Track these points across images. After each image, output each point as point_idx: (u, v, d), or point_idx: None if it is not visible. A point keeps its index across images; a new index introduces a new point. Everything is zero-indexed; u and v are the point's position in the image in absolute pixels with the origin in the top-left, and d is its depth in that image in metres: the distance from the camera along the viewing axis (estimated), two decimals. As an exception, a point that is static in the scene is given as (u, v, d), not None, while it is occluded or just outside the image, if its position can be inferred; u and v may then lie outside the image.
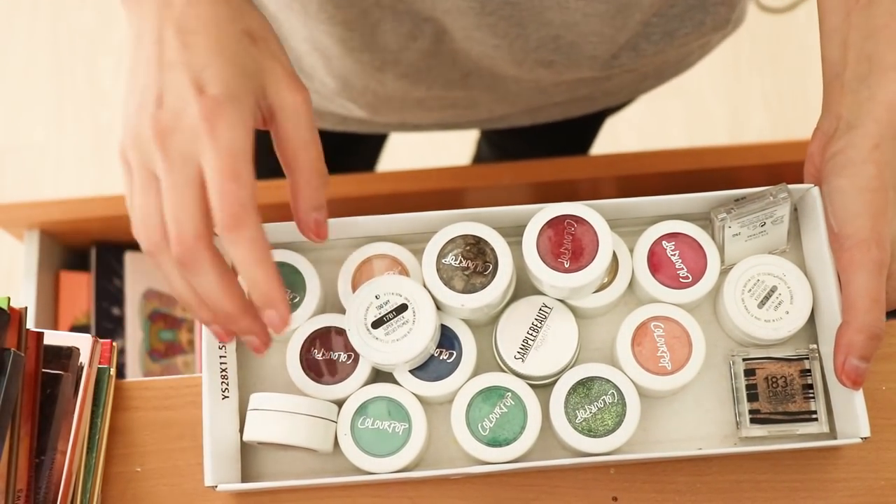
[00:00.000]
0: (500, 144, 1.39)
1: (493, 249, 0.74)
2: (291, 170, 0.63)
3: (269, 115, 0.63)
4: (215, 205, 0.58)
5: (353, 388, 0.74)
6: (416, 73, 0.88)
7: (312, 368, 0.75)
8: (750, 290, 0.76)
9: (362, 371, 0.74)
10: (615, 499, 0.76)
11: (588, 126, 1.28)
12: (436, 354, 0.75)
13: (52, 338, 0.75)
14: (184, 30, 0.61)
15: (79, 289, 1.33)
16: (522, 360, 0.74)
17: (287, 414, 0.72)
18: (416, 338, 0.72)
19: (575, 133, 1.25)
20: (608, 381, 0.74)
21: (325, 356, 0.75)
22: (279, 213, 1.22)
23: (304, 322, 0.75)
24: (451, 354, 0.74)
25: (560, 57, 0.87)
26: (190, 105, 0.59)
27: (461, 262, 0.73)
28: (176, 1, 0.62)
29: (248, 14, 0.63)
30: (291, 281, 0.77)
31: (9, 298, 0.72)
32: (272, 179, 1.23)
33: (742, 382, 0.75)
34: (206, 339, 0.75)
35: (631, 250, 0.77)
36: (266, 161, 1.27)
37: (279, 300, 0.60)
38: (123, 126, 0.62)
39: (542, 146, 1.27)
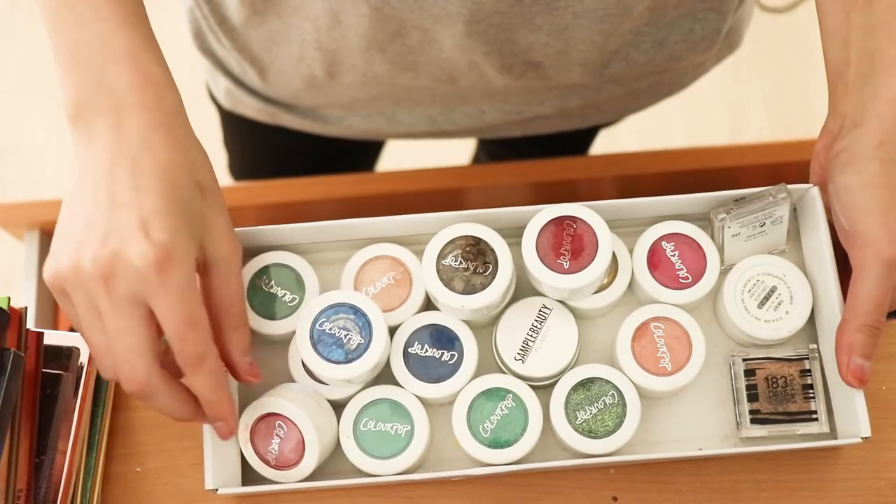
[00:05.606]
0: (496, 154, 1.40)
1: (492, 250, 0.74)
2: (220, 320, 0.66)
3: (203, 265, 0.65)
4: (177, 348, 0.61)
5: (353, 391, 0.74)
6: (402, 62, 0.88)
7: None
8: (750, 291, 0.76)
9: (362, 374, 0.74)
10: (615, 499, 0.76)
11: (582, 139, 1.28)
12: (437, 356, 0.75)
13: (52, 338, 0.75)
14: (138, 171, 0.61)
15: (79, 289, 1.33)
16: (522, 362, 0.74)
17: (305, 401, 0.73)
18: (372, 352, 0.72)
19: (569, 146, 1.25)
20: (608, 381, 0.74)
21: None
22: (279, 213, 1.23)
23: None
24: (451, 356, 0.74)
25: (549, 60, 0.87)
26: (137, 249, 0.59)
27: (461, 262, 0.73)
28: (131, 139, 0.62)
29: (202, 165, 0.65)
30: (290, 283, 0.77)
31: (9, 298, 0.72)
32: (272, 179, 1.23)
33: (742, 383, 0.75)
34: (206, 339, 0.75)
35: (630, 251, 0.77)
36: (267, 162, 1.27)
37: (229, 416, 0.66)
38: (59, 253, 0.61)
39: (538, 157, 1.27)
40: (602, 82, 0.94)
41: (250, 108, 1.04)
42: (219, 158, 1.38)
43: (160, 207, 0.60)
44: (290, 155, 1.22)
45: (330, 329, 0.72)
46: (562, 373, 0.75)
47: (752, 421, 0.75)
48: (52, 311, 1.32)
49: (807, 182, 0.77)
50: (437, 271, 0.73)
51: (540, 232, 0.73)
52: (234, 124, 1.15)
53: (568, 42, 0.84)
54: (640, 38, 0.88)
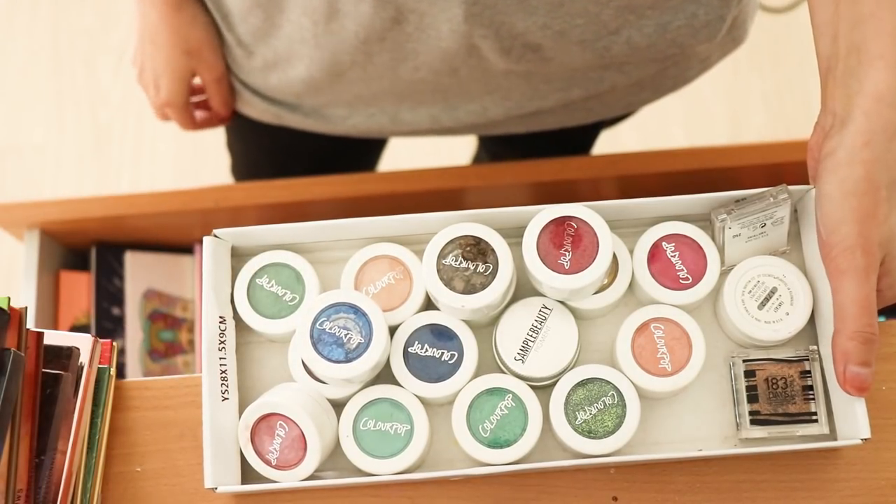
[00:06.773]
0: (498, 155, 1.39)
1: (493, 250, 0.74)
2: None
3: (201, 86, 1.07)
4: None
5: (353, 390, 0.74)
6: (402, 51, 0.88)
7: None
8: (750, 292, 0.76)
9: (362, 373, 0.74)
10: (615, 499, 0.76)
11: (584, 138, 1.28)
12: (437, 355, 0.75)
13: (52, 338, 0.75)
14: (153, 42, 1.02)
15: (79, 289, 1.33)
16: (522, 362, 0.74)
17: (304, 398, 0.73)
18: (372, 352, 0.72)
19: (571, 145, 1.25)
20: (608, 382, 0.74)
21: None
22: (279, 213, 1.23)
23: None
24: (452, 356, 0.74)
25: (548, 42, 0.87)
26: (152, 94, 1.07)
27: (461, 262, 0.73)
28: (150, 21, 1.01)
29: (192, 37, 0.99)
30: (291, 282, 0.77)
31: (9, 298, 0.72)
32: (272, 180, 1.23)
33: (742, 384, 0.75)
34: (206, 341, 0.75)
35: (631, 251, 0.77)
36: (270, 163, 1.27)
37: (191, 129, 1.12)
38: (133, 56, 1.06)
39: (539, 157, 1.27)
40: (604, 68, 0.94)
41: (255, 109, 1.05)
42: (222, 161, 1.38)
43: (162, 72, 1.03)
44: (292, 155, 1.22)
45: (330, 328, 0.72)
46: (562, 373, 0.75)
47: (752, 422, 0.75)
48: (52, 311, 1.31)
49: (807, 182, 0.77)
50: (438, 271, 0.73)
51: (540, 232, 0.73)
52: (236, 126, 1.15)
53: (564, 19, 0.84)
54: (643, 21, 0.88)
